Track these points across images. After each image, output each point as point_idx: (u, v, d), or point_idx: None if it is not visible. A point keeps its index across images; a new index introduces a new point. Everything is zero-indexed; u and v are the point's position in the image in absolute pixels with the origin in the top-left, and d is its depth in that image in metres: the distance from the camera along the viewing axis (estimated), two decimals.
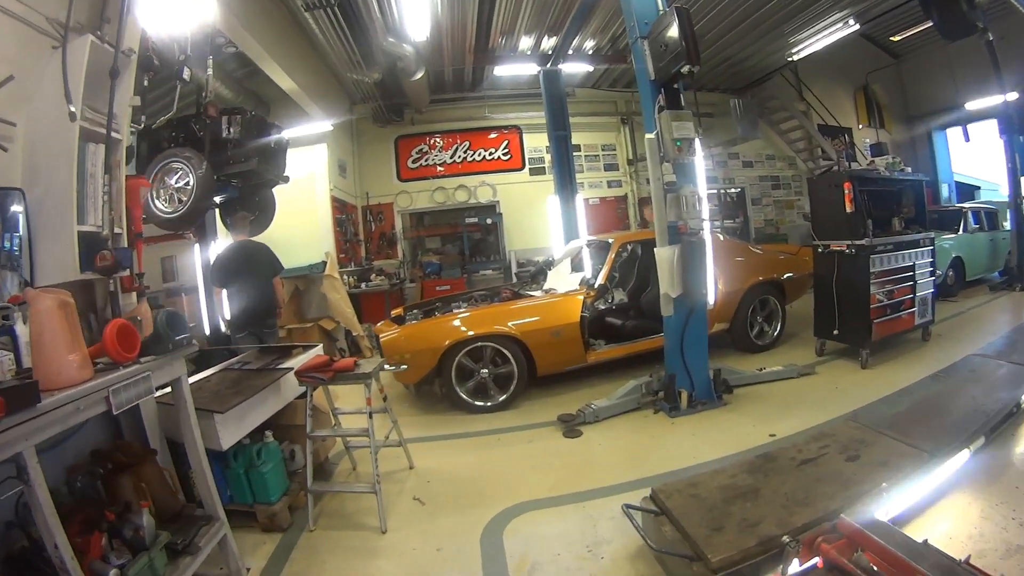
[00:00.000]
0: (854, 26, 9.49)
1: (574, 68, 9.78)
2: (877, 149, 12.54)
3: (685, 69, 4.20)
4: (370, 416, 3.56)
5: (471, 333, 5.24)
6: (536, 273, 7.35)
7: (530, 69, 9.43)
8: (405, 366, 5.14)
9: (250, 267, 5.60)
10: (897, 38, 12.15)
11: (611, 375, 5.85)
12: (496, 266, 11.42)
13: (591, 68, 10.27)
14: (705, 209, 4.63)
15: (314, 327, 8.26)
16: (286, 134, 8.57)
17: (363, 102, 10.60)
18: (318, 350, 4.39)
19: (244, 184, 5.95)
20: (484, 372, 5.30)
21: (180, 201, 4.89)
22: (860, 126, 13.86)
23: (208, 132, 5.16)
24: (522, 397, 5.47)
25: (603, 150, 12.36)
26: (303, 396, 3.74)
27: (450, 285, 10.61)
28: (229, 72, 8.30)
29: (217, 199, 6.20)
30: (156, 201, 4.93)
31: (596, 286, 5.69)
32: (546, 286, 6.49)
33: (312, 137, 9.05)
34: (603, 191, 12.33)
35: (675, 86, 4.59)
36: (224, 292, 5.65)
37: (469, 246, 11.59)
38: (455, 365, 5.23)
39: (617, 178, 12.45)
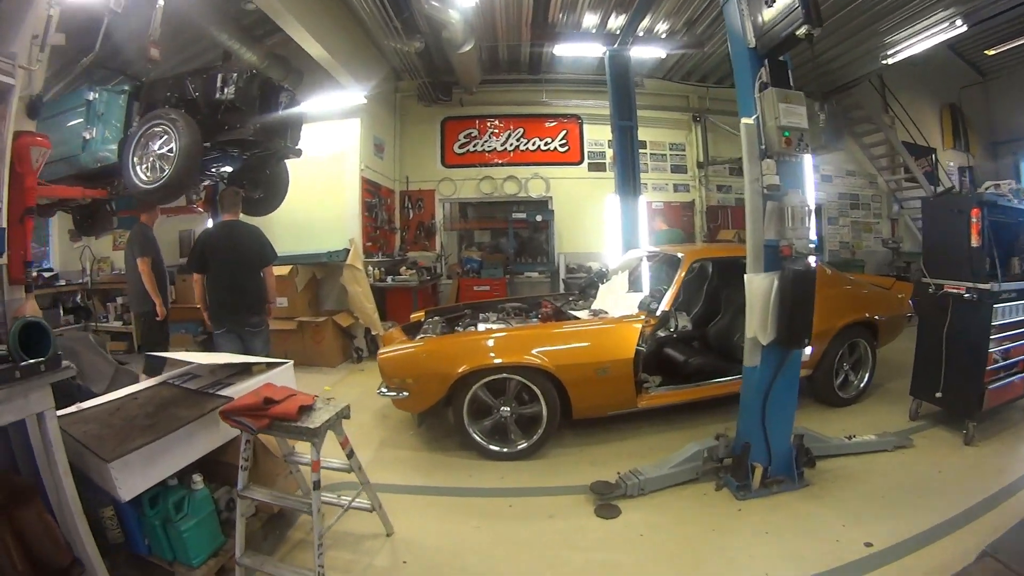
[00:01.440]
0: (960, 27, 7.91)
1: (643, 53, 8.55)
2: (965, 174, 10.82)
3: (801, 31, 3.01)
4: (315, 487, 2.52)
5: (495, 361, 4.14)
6: (587, 286, 6.22)
7: (594, 51, 8.29)
8: (405, 393, 4.17)
9: (234, 253, 4.70)
10: (992, 52, 10.40)
11: (665, 422, 4.73)
12: (543, 269, 10.30)
13: (663, 55, 9.01)
14: (813, 227, 3.40)
15: (328, 322, 7.41)
16: (315, 103, 7.82)
17: (409, 78, 9.65)
18: (282, 372, 3.42)
19: (247, 155, 5.10)
20: (505, 411, 4.21)
21: (162, 170, 4.21)
22: (945, 147, 12.12)
23: (203, 93, 4.39)
24: (551, 441, 4.35)
25: (671, 149, 11.06)
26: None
27: (489, 286, 9.64)
28: (254, 35, 7.53)
29: (223, 170, 5.40)
30: (137, 168, 4.29)
31: (658, 313, 4.48)
32: (595, 305, 5.34)
33: (344, 110, 8.17)
34: (668, 195, 11.02)
35: (781, 58, 3.38)
36: (203, 279, 4.76)
37: (515, 244, 10.49)
38: (469, 398, 4.16)
39: (685, 182, 11.13)
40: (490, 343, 4.30)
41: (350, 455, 2.92)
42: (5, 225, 2.54)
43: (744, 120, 3.40)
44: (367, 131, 8.65)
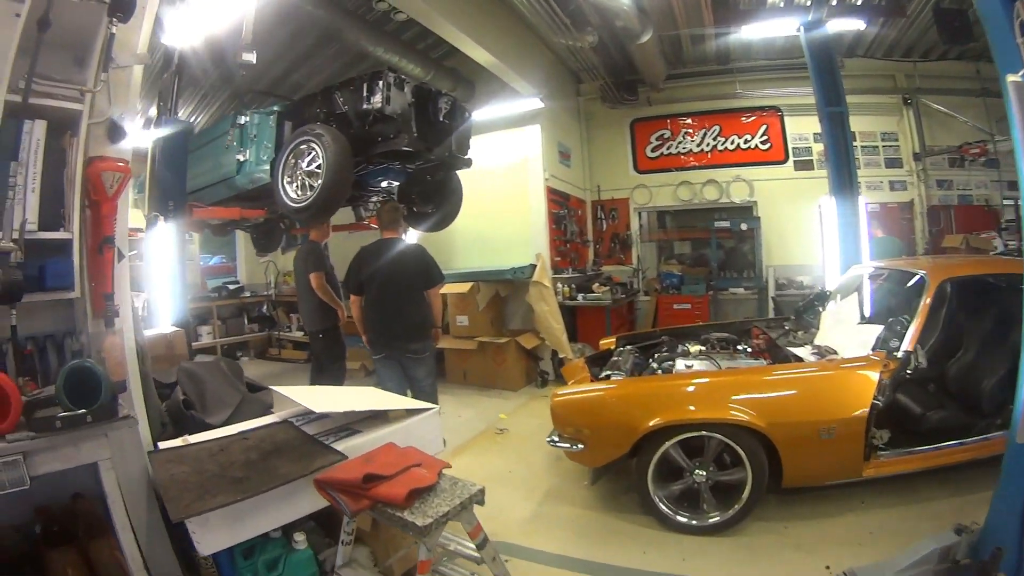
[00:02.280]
0: None
1: (840, 26, 6.87)
2: None
3: None
4: None
5: (694, 416, 3.25)
6: (804, 310, 4.90)
7: (786, 28, 6.78)
8: (581, 445, 3.46)
9: (393, 273, 4.32)
10: None
11: (889, 491, 3.50)
12: (749, 285, 8.87)
13: (861, 26, 7.09)
14: None
15: (511, 343, 6.92)
16: (490, 111, 7.44)
17: (589, 79, 8.93)
18: (425, 421, 2.89)
19: (412, 168, 4.82)
20: (700, 475, 3.25)
21: (311, 188, 4.03)
22: None
23: (351, 105, 4.11)
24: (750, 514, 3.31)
25: (883, 139, 8.79)
26: None
27: (690, 304, 8.52)
28: (416, 48, 7.45)
29: (387, 184, 5.17)
30: (287, 187, 4.20)
31: (900, 355, 3.23)
32: (819, 339, 4.08)
33: (522, 116, 7.69)
34: (883, 194, 8.74)
35: None
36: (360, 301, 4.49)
37: (718, 257, 9.14)
38: (659, 457, 3.29)
39: (900, 177, 8.77)
40: (689, 389, 3.40)
41: (482, 545, 2.20)
42: (77, 257, 2.35)
43: (1010, 78, 2.10)
44: (550, 137, 8.08)
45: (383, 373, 4.39)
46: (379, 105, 3.93)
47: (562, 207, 8.28)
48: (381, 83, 3.97)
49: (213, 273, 11.32)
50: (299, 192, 4.14)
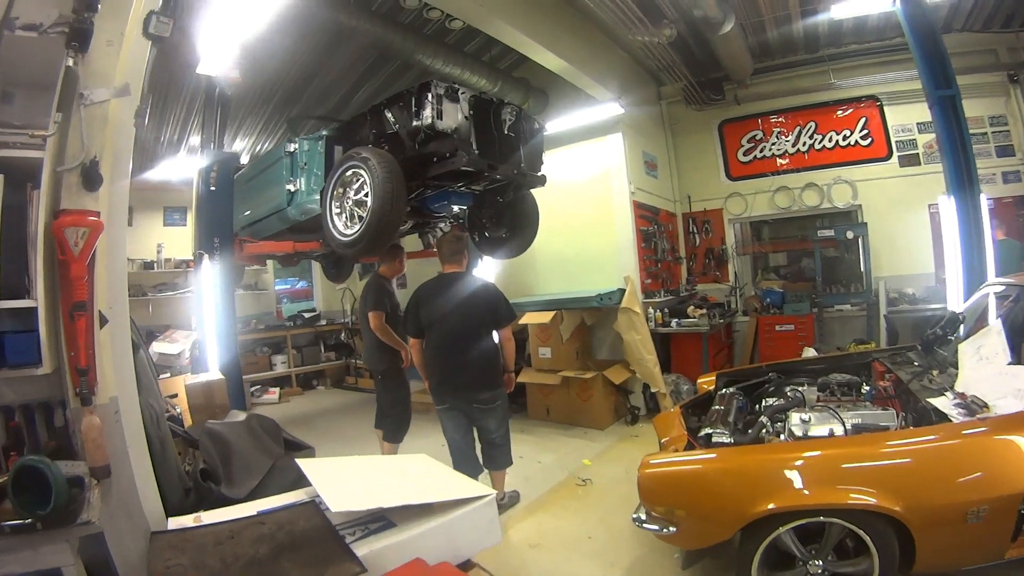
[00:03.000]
0: None
1: None
2: None
3: None
4: None
5: (813, 500, 2.55)
6: (932, 341, 3.91)
7: (879, 3, 5.79)
8: (673, 528, 2.80)
9: (458, 313, 3.89)
10: None
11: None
12: (857, 301, 7.74)
13: None
14: None
15: (597, 378, 6.22)
16: (566, 122, 6.76)
17: (671, 79, 8.06)
18: (479, 512, 2.37)
19: (479, 189, 4.37)
20: (816, 565, 2.60)
21: (360, 219, 3.64)
22: None
23: (401, 122, 3.70)
24: None
25: (991, 125, 7.44)
26: None
27: (794, 324, 7.56)
28: (485, 61, 7.08)
29: (454, 208, 4.64)
30: (335, 219, 3.83)
31: None
32: (961, 383, 3.15)
33: (602, 125, 7.01)
34: (997, 188, 7.36)
35: None
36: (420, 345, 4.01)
37: (821, 269, 8.04)
38: (768, 544, 2.62)
39: (1014, 167, 7.41)
40: (807, 463, 2.66)
41: None
42: (43, 328, 2.03)
43: None
44: (633, 146, 7.36)
45: (447, 424, 4.00)
46: (429, 120, 3.46)
47: (651, 223, 7.51)
48: (430, 95, 3.47)
49: (295, 296, 11.25)
50: (348, 224, 3.74)
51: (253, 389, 9.03)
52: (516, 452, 4.44)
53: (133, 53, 2.46)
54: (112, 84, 2.36)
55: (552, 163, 4.80)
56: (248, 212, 5.09)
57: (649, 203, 7.56)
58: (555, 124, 7.02)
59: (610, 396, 6.39)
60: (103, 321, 2.33)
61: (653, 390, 6.30)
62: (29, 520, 1.87)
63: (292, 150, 4.41)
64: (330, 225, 3.83)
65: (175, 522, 2.40)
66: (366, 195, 3.51)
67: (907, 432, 2.85)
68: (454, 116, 3.58)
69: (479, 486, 2.60)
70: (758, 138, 8.55)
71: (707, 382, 4.29)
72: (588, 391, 6.26)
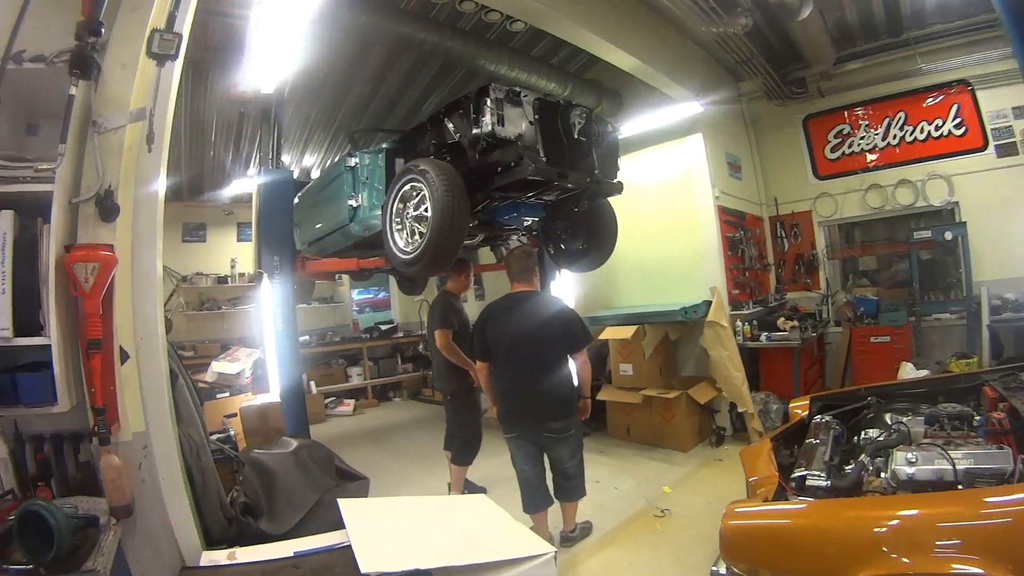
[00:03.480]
0: None
1: None
2: None
3: None
4: None
5: (916, 570, 2.12)
6: None
7: None
8: None
9: (529, 336, 3.66)
10: None
11: None
12: (957, 308, 6.98)
13: None
14: None
15: (681, 398, 5.81)
16: (642, 123, 6.48)
17: (749, 74, 7.50)
18: (539, 570, 2.12)
19: (551, 200, 4.08)
20: None
21: (420, 235, 3.44)
22: None
23: (461, 130, 3.48)
24: None
25: None
26: None
27: (890, 335, 6.90)
28: (553, 64, 6.76)
29: (525, 220, 4.36)
30: (396, 236, 3.65)
31: None
32: None
33: (680, 127, 6.64)
34: None
35: None
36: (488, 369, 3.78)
37: (917, 274, 7.29)
38: None
39: None
40: (903, 522, 2.27)
41: None
42: (59, 366, 2.03)
43: None
44: (715, 148, 6.91)
45: (516, 454, 3.77)
46: (490, 128, 3.18)
47: (737, 228, 7.02)
48: (489, 100, 3.20)
49: (376, 306, 11.31)
50: (408, 241, 3.53)
51: (327, 401, 9.08)
52: (592, 476, 4.22)
53: (148, 76, 2.40)
54: (127, 109, 2.30)
55: (630, 168, 4.59)
56: (314, 228, 5.00)
57: (734, 207, 7.08)
58: (631, 127, 6.66)
59: (694, 416, 6.00)
60: (124, 357, 2.29)
61: (740, 410, 5.86)
62: (32, 565, 1.84)
63: (353, 164, 4.27)
64: (390, 242, 3.65)
65: (209, 557, 2.39)
66: (426, 210, 3.30)
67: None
68: (517, 121, 3.32)
69: (537, 542, 2.33)
70: (845, 132, 7.88)
71: (800, 407, 3.85)
72: (671, 411, 5.87)
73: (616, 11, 5.32)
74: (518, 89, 3.41)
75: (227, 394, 5.33)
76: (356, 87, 6.94)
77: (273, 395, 4.87)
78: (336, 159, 8.37)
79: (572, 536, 3.95)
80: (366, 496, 3.21)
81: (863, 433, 3.21)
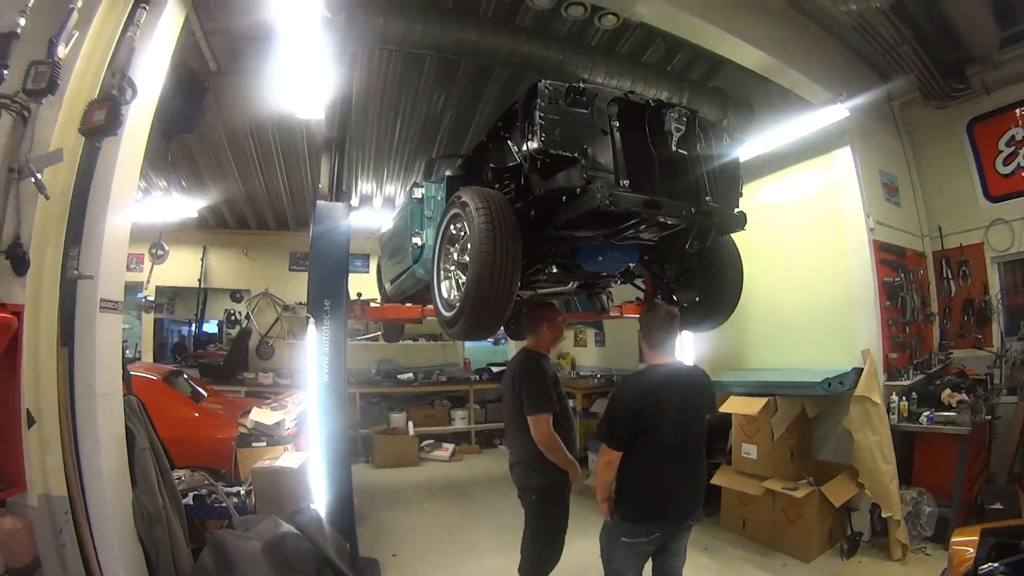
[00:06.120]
0: None
1: None
2: None
3: None
4: None
5: None
6: None
7: None
8: None
9: (684, 415, 2.91)
10: None
11: None
12: None
13: None
14: None
15: (812, 496, 4.56)
16: (775, 138, 5.47)
17: (898, 69, 5.92)
18: None
19: (655, 240, 3.10)
20: None
21: (460, 287, 2.81)
22: None
23: (520, 144, 2.70)
24: None
25: None
26: None
27: None
28: (669, 72, 5.86)
29: (619, 264, 3.37)
30: (441, 287, 3.02)
31: None
32: None
33: (822, 139, 5.43)
34: None
35: None
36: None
37: None
38: None
39: None
40: None
41: None
42: None
43: None
44: (867, 165, 5.52)
45: (631, 561, 2.98)
46: (543, 142, 2.40)
47: (896, 270, 5.53)
48: (539, 102, 2.43)
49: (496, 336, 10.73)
50: (451, 292, 2.92)
51: (424, 444, 8.65)
52: None
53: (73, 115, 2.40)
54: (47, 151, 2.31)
55: (763, 196, 4.01)
56: (391, 267, 4.61)
57: (892, 241, 5.60)
58: (763, 143, 5.42)
59: (826, 518, 4.72)
60: (31, 421, 2.30)
61: (885, 515, 4.56)
62: None
63: (419, 196, 3.73)
64: (436, 293, 3.03)
65: None
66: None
67: None
68: (583, 131, 2.51)
69: None
70: (1019, 138, 6.05)
71: (965, 545, 2.96)
72: (797, 510, 4.63)
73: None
74: (581, 86, 2.57)
75: (264, 443, 4.97)
76: (420, 106, 6.33)
77: (292, 460, 4.35)
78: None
79: None
80: None
81: None
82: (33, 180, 2.28)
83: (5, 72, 2.25)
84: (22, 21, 2.39)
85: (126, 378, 3.18)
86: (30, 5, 2.43)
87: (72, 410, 2.53)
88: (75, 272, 2.58)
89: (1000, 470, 5.47)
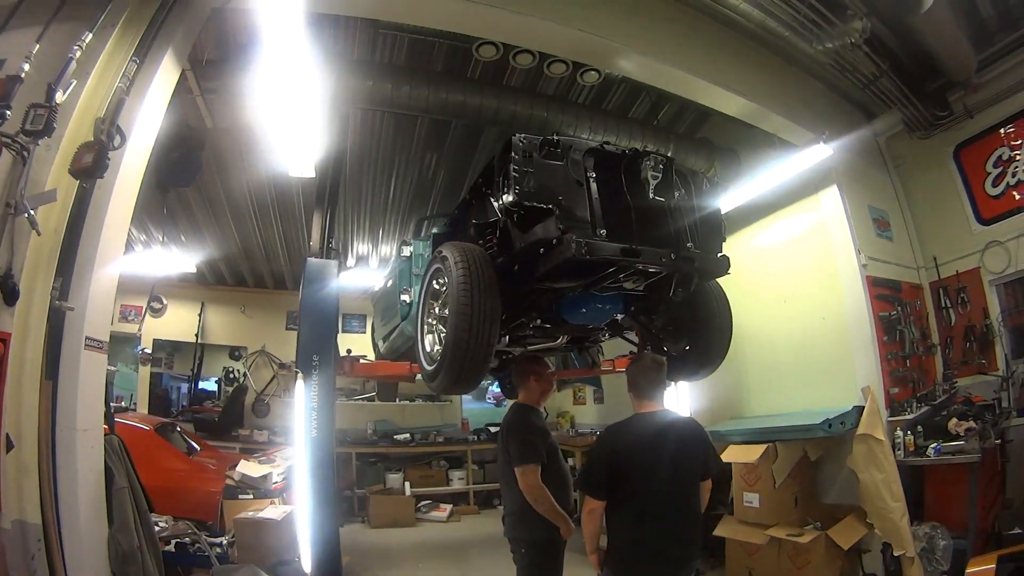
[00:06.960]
0: None
1: None
2: None
3: None
4: None
5: None
6: None
7: None
8: None
9: (673, 465, 2.84)
10: None
11: None
12: None
13: None
14: None
15: (819, 541, 4.49)
16: (760, 184, 5.55)
17: (881, 103, 6.11)
18: None
19: (641, 290, 3.09)
20: None
21: (441, 341, 2.88)
22: None
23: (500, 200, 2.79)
24: None
25: None
26: None
27: None
28: (664, 127, 6.18)
29: (608, 314, 3.34)
30: (425, 341, 3.10)
31: None
32: None
33: (809, 180, 5.57)
34: None
35: None
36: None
37: None
38: None
39: None
40: None
41: None
42: None
43: None
44: (856, 202, 5.64)
45: None
46: (516, 195, 2.48)
47: (893, 304, 5.55)
48: (514, 155, 2.51)
49: (498, 397, 10.69)
50: (434, 347, 2.99)
51: (421, 504, 8.59)
52: None
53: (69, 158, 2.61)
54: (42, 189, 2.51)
55: (754, 241, 4.09)
56: (383, 325, 4.67)
57: (887, 276, 5.64)
58: (751, 189, 5.57)
59: (835, 562, 4.65)
60: (9, 445, 2.33)
61: (897, 553, 4.46)
62: None
63: (408, 254, 3.89)
64: (419, 348, 3.11)
65: None
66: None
67: None
68: (557, 182, 2.58)
69: None
70: (1005, 158, 6.11)
71: (983, 572, 3.18)
72: (804, 556, 4.57)
73: (714, 49, 4.78)
74: (556, 138, 2.65)
75: (250, 496, 5.14)
76: (413, 166, 6.56)
77: (273, 512, 4.49)
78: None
79: None
80: None
81: None
82: (27, 216, 2.40)
83: (8, 113, 2.41)
84: (26, 67, 2.59)
85: (109, 418, 3.26)
86: (34, 52, 2.65)
87: (52, 440, 2.58)
88: (58, 302, 2.66)
89: (1017, 494, 5.37)
